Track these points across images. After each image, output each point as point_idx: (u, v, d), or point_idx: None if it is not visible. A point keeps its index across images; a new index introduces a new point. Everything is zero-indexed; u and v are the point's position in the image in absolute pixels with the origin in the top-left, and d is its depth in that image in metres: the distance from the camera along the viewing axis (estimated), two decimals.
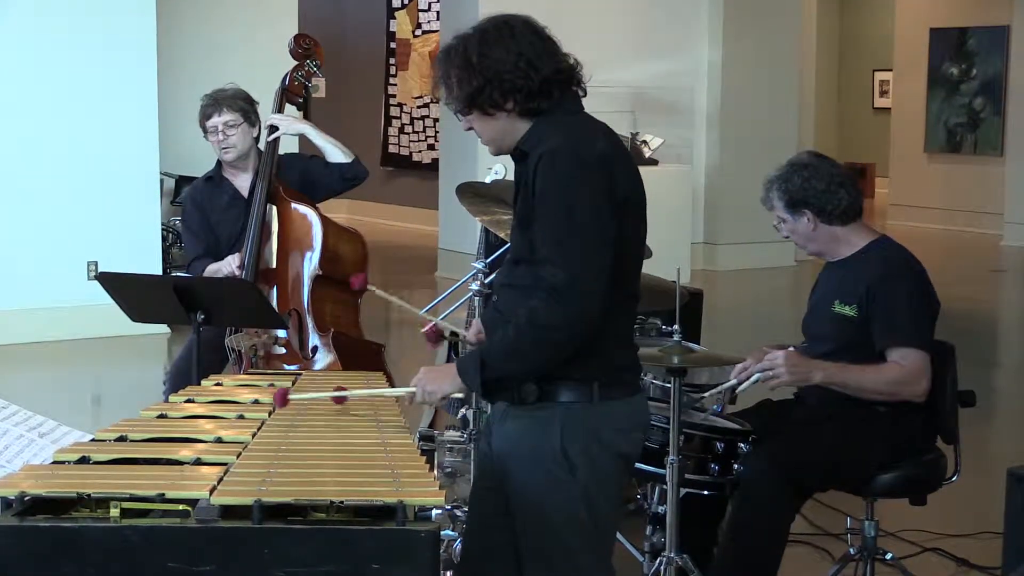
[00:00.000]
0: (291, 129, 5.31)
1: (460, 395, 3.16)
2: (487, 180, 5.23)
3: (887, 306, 4.10)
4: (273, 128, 5.23)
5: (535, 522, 3.03)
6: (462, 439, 4.58)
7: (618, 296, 2.98)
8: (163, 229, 9.62)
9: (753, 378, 4.10)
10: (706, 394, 4.43)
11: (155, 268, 9.21)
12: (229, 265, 5.05)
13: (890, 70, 17.86)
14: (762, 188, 4.34)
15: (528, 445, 3.02)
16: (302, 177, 5.30)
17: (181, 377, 4.96)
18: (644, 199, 3.06)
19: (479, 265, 4.69)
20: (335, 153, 5.31)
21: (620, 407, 3.05)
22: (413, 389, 3.10)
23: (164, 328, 8.88)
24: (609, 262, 2.91)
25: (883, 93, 19.70)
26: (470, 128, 3.09)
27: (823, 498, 4.86)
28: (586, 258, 2.88)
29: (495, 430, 3.16)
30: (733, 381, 4.14)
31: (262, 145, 5.28)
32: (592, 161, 2.93)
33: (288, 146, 5.72)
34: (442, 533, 4.28)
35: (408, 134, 16.14)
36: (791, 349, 4.17)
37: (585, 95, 3.10)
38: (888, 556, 4.41)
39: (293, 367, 4.98)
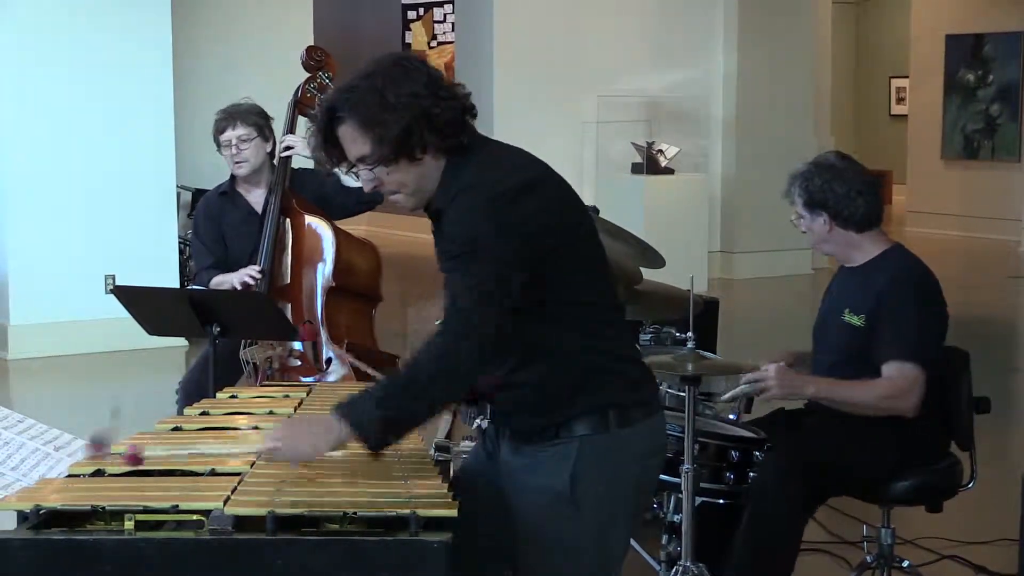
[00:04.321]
0: (306, 152, 5.29)
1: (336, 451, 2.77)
2: None
3: (891, 318, 4.08)
4: (288, 147, 5.24)
5: (540, 554, 2.89)
6: None
7: (598, 318, 2.86)
8: (180, 242, 9.64)
9: (740, 389, 4.11)
10: (722, 399, 4.43)
11: (172, 281, 9.22)
12: (244, 276, 5.06)
13: (906, 77, 17.83)
14: (786, 181, 4.32)
15: (540, 482, 2.86)
16: (318, 194, 5.29)
17: (193, 389, 4.98)
18: (584, 218, 2.92)
19: None
20: (350, 178, 5.30)
21: (638, 432, 2.89)
22: (274, 445, 2.73)
23: (181, 341, 8.90)
24: (509, 296, 2.72)
25: (900, 100, 19.67)
26: (377, 186, 2.85)
27: (840, 506, 4.85)
28: (479, 294, 2.71)
29: (504, 461, 2.96)
30: (744, 387, 4.14)
31: (276, 160, 5.29)
32: (503, 193, 2.76)
33: (306, 160, 5.71)
34: None
35: None
36: (782, 364, 4.16)
37: (475, 118, 2.88)
38: (905, 564, 4.41)
39: (309, 379, 4.98)
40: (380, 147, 2.75)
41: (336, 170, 5.17)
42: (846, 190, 4.19)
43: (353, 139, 2.79)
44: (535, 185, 2.82)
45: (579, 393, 2.85)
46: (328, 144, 2.83)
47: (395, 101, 2.72)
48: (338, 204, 5.28)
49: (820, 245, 4.32)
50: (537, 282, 2.78)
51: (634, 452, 2.90)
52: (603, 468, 2.86)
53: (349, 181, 5.27)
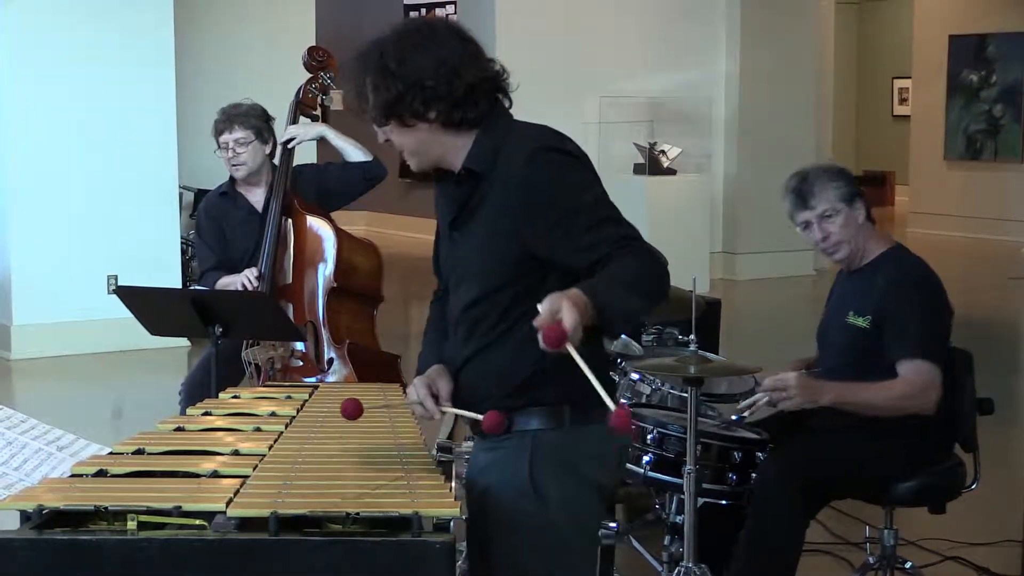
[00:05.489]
0: (309, 134, 5.32)
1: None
2: None
3: (899, 318, 4.08)
4: (290, 139, 5.25)
5: (506, 555, 2.86)
6: None
7: None
8: (182, 242, 9.65)
9: (763, 400, 4.10)
10: (739, 407, 4.41)
11: (174, 281, 9.24)
12: (244, 278, 5.06)
13: (909, 77, 17.83)
14: (795, 183, 4.27)
15: (497, 478, 2.86)
16: (319, 188, 5.31)
17: (195, 390, 4.98)
18: None
19: None
20: (355, 153, 5.33)
21: (594, 431, 2.81)
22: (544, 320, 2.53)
23: (184, 342, 8.91)
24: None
25: (902, 100, 19.67)
26: (387, 140, 2.87)
27: (842, 507, 4.85)
28: (628, 224, 2.77)
29: (473, 461, 2.98)
30: (762, 396, 4.13)
31: (277, 161, 5.29)
32: (580, 154, 2.81)
33: (307, 155, 5.73)
34: (459, 544, 4.28)
35: None
36: (802, 371, 4.16)
37: (511, 105, 2.88)
38: (908, 565, 4.41)
39: (310, 379, 4.99)
40: (374, 107, 2.81)
41: (343, 146, 5.25)
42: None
43: (367, 89, 2.84)
44: None
45: (534, 385, 2.81)
46: (355, 85, 2.87)
47: (394, 69, 2.76)
48: (342, 188, 5.32)
49: (843, 243, 4.23)
50: (546, 270, 2.78)
51: (590, 451, 2.87)
52: (560, 464, 2.83)
53: (355, 155, 5.28)
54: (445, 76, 2.75)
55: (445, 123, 2.80)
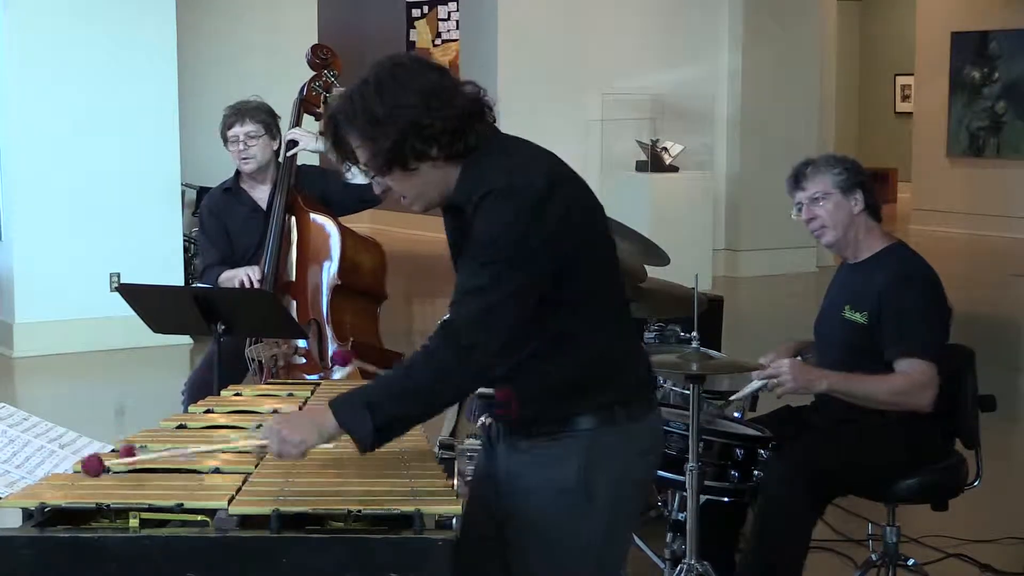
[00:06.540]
0: (311, 145, 5.31)
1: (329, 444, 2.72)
2: None
3: (897, 315, 4.07)
4: (293, 143, 5.25)
5: (547, 554, 2.84)
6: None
7: (609, 314, 2.84)
8: (185, 240, 9.65)
9: (757, 384, 4.09)
10: (732, 398, 4.43)
11: (177, 279, 9.24)
12: (245, 273, 5.06)
13: (912, 74, 17.82)
14: (797, 166, 4.27)
15: (537, 477, 2.83)
16: (322, 193, 5.30)
17: (199, 388, 4.98)
18: (599, 213, 2.86)
19: None
20: (354, 173, 5.32)
21: (640, 429, 2.87)
22: (264, 441, 2.70)
23: (186, 339, 8.90)
24: (525, 310, 2.70)
25: (905, 97, 19.65)
26: (386, 190, 2.81)
27: (845, 504, 4.84)
28: (497, 308, 2.67)
29: (502, 460, 2.93)
30: (757, 383, 4.12)
31: (281, 159, 5.29)
32: (529, 196, 2.69)
33: (310, 157, 5.72)
34: None
35: None
36: (797, 358, 4.15)
37: (495, 121, 2.81)
38: (910, 562, 4.40)
39: (313, 377, 4.99)
40: (374, 158, 2.73)
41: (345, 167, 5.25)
42: (868, 176, 4.24)
43: (355, 147, 2.78)
44: (562, 183, 2.77)
45: (588, 387, 2.81)
46: (339, 146, 2.81)
47: (383, 114, 2.68)
48: (339, 202, 5.30)
49: (835, 231, 4.20)
50: (557, 278, 2.76)
51: (638, 448, 2.89)
52: (612, 462, 2.83)
53: (355, 177, 5.29)
54: (436, 109, 2.69)
55: (448, 156, 2.74)
